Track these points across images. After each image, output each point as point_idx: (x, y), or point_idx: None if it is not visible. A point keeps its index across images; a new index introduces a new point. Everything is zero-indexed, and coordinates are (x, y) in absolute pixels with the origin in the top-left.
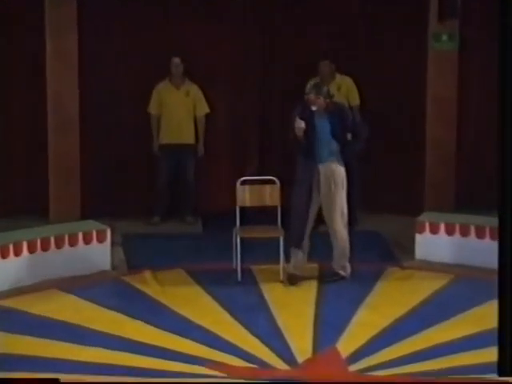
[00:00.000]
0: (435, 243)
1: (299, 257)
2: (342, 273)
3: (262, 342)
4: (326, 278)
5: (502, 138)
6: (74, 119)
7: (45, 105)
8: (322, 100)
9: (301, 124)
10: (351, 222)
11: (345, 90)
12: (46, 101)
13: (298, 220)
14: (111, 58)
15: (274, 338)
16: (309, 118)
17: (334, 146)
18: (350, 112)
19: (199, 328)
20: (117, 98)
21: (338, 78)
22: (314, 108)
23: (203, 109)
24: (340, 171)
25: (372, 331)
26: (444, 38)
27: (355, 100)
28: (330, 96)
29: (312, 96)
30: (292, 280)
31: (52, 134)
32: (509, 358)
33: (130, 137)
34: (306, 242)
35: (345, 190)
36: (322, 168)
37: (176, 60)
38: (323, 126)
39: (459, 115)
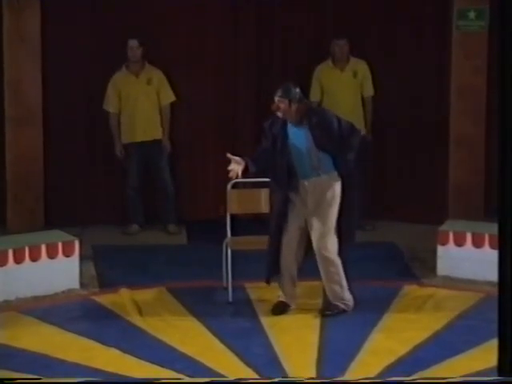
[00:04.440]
0: (461, 257)
1: (285, 283)
2: (340, 305)
3: (258, 372)
4: (324, 311)
5: (501, 138)
6: (36, 111)
7: (1, 93)
8: (287, 105)
9: (234, 166)
10: (347, 239)
11: (360, 76)
12: (2, 89)
13: (270, 248)
14: (81, 40)
15: (272, 368)
16: (280, 130)
17: (318, 158)
18: (335, 117)
19: (184, 357)
20: (87, 86)
21: (353, 61)
22: (279, 114)
23: (167, 97)
24: (331, 186)
25: (387, 359)
26: (471, 15)
27: (369, 90)
28: (302, 100)
29: (276, 98)
30: (276, 309)
31: (10, 128)
32: (509, 357)
33: (102, 131)
34: (293, 267)
35: (337, 207)
36: (307, 184)
37: (133, 42)
38: (298, 138)
39: (489, 107)
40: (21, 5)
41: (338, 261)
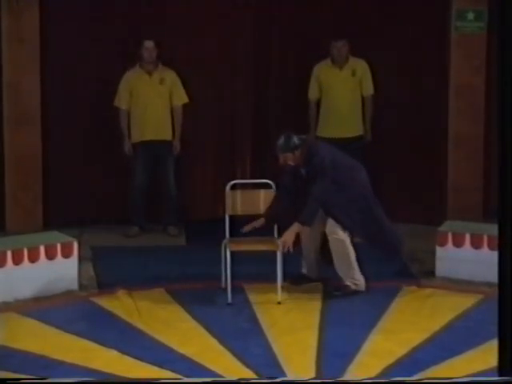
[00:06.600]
0: (459, 258)
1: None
2: (351, 286)
3: (256, 373)
4: (333, 292)
5: (501, 138)
6: (35, 111)
7: (0, 94)
8: (291, 156)
9: (286, 237)
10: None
11: (359, 75)
12: (1, 89)
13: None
14: (80, 40)
15: (270, 369)
16: (297, 173)
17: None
18: (320, 166)
19: (183, 358)
20: (86, 87)
21: (352, 60)
22: (291, 164)
23: (180, 98)
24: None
25: (386, 360)
26: (470, 16)
27: (369, 89)
28: (301, 144)
29: (280, 155)
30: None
31: (8, 129)
32: (509, 357)
33: (102, 132)
34: (314, 256)
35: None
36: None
37: (148, 43)
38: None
39: (487, 107)
40: (20, 6)
41: (347, 242)
